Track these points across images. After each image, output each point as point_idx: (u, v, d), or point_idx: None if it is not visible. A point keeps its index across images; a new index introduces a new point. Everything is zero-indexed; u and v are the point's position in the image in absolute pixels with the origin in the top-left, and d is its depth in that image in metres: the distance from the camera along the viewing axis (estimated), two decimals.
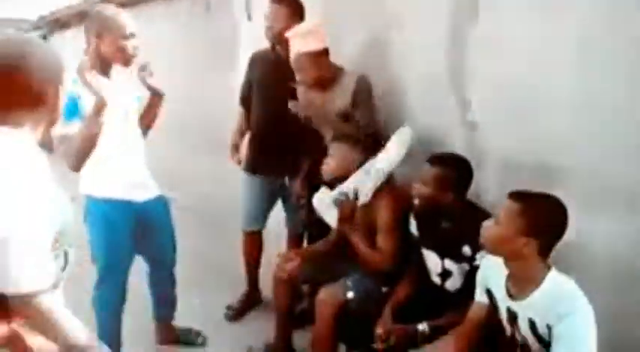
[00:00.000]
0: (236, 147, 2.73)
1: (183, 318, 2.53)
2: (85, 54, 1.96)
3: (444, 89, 2.09)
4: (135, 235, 2.11)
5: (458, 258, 1.81)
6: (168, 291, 2.42)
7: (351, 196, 2.03)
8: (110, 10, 1.97)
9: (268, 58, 2.49)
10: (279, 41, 2.35)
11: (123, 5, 5.02)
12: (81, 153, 1.76)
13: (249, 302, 2.73)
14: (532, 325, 1.42)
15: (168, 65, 4.28)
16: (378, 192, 2.05)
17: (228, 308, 2.70)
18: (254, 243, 2.68)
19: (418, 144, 2.10)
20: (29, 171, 1.01)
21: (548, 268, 1.41)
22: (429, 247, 1.93)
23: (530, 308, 1.41)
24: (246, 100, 2.62)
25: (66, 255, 1.08)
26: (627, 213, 1.56)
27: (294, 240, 2.67)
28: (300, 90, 2.37)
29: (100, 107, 1.73)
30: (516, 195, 1.41)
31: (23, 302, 0.98)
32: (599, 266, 1.64)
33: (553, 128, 1.73)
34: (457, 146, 2.03)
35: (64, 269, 1.08)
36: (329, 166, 2.11)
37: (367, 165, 2.05)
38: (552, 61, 1.71)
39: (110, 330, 2.11)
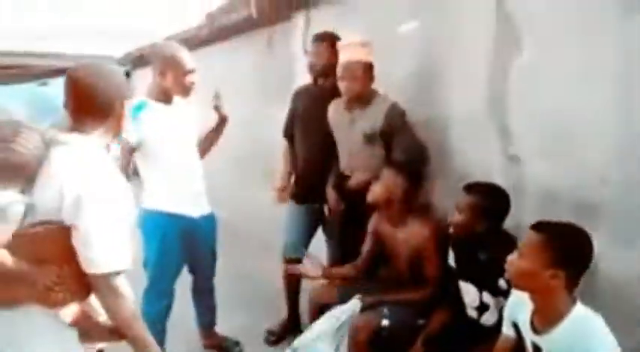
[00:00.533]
0: (284, 188, 2.78)
1: None
2: (151, 86, 2.22)
3: (486, 122, 2.09)
4: (187, 249, 2.29)
5: (495, 291, 1.78)
6: (208, 300, 2.59)
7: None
8: (171, 48, 2.21)
9: (311, 92, 2.62)
10: (322, 75, 2.50)
11: (197, 45, 5.47)
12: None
13: (289, 328, 2.77)
14: None
15: (231, 97, 4.58)
16: (419, 221, 2.09)
17: (269, 332, 2.75)
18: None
19: (460, 178, 2.10)
20: (107, 168, 1.28)
21: (574, 302, 1.36)
22: (466, 279, 1.90)
23: (554, 344, 1.36)
24: (289, 133, 2.74)
25: None
26: None
27: (334, 266, 2.69)
28: (331, 109, 2.46)
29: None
30: (539, 226, 1.38)
31: (101, 282, 1.23)
32: (634, 301, 1.55)
33: (589, 161, 1.69)
34: (498, 178, 2.00)
35: None
36: (375, 191, 2.14)
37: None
38: (589, 91, 1.68)
39: (154, 334, 2.23)
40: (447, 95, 2.30)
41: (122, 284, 1.26)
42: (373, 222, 2.26)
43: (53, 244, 1.20)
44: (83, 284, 1.24)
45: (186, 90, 2.22)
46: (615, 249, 1.62)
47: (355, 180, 2.34)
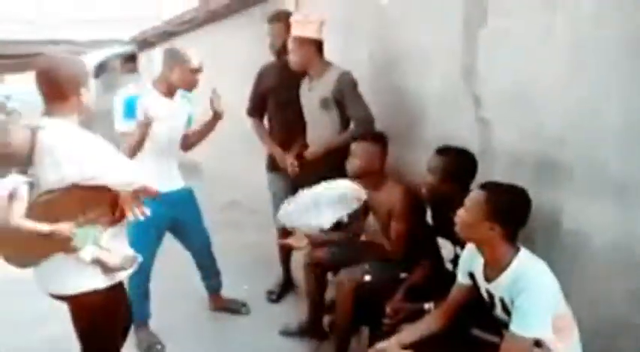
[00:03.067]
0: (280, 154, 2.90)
1: None
2: (160, 80, 2.44)
3: (460, 89, 2.22)
4: (164, 222, 2.50)
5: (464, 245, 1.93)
6: (210, 267, 2.84)
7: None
8: (182, 48, 2.45)
9: (276, 68, 2.80)
10: (281, 53, 2.69)
11: (196, 26, 5.59)
12: (133, 149, 2.22)
13: (285, 288, 3.07)
14: (502, 303, 1.54)
15: (235, 74, 4.73)
16: (392, 183, 2.26)
17: (269, 292, 3.06)
18: (285, 237, 2.92)
19: (437, 144, 2.25)
20: (81, 134, 1.59)
21: (517, 251, 1.52)
22: (442, 235, 2.06)
23: (500, 288, 1.53)
24: (256, 111, 2.91)
25: None
26: (616, 204, 1.60)
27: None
28: (303, 82, 2.66)
29: (147, 124, 2.22)
30: (483, 185, 1.55)
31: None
32: (597, 253, 1.69)
33: (548, 123, 1.81)
34: (471, 141, 2.14)
35: None
36: (354, 164, 2.30)
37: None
38: (546, 59, 1.79)
39: (137, 296, 2.47)
40: (422, 67, 2.44)
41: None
42: None
43: (64, 204, 1.53)
44: (96, 227, 1.61)
45: (189, 87, 2.45)
46: (576, 204, 1.74)
47: (309, 153, 2.56)
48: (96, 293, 1.62)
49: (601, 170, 1.64)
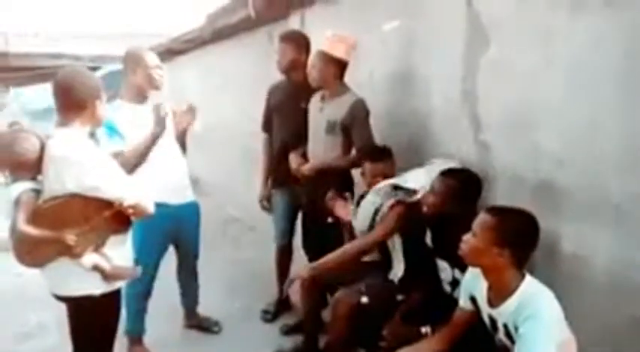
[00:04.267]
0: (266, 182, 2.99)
1: (225, 317, 2.90)
2: (127, 88, 2.43)
3: (460, 113, 2.24)
4: (170, 235, 2.52)
5: (465, 268, 1.92)
6: (192, 281, 2.82)
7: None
8: (139, 49, 2.46)
9: (283, 86, 2.85)
10: (287, 71, 2.74)
11: (201, 44, 5.67)
12: (134, 165, 2.23)
13: (281, 307, 3.02)
14: (506, 330, 1.52)
15: (238, 91, 4.77)
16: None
17: (264, 312, 3.01)
18: (284, 255, 2.97)
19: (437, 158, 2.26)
20: (83, 144, 1.66)
21: (523, 277, 1.51)
22: (441, 257, 2.05)
23: (505, 314, 1.51)
24: (267, 126, 2.96)
25: None
26: (616, 227, 1.60)
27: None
28: (312, 99, 2.67)
29: (157, 135, 2.26)
30: (491, 210, 1.54)
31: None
32: (596, 276, 1.69)
33: (547, 145, 1.83)
34: (471, 163, 2.16)
35: None
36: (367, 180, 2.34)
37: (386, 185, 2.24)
38: (544, 83, 1.82)
39: (135, 313, 2.53)
40: (426, 89, 2.47)
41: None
42: None
43: (67, 211, 1.61)
44: (99, 236, 1.67)
45: (155, 84, 2.42)
46: (576, 227, 1.75)
47: (307, 168, 2.55)
48: (93, 298, 1.69)
49: (600, 192, 1.65)
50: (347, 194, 2.53)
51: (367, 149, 2.44)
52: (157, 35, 7.34)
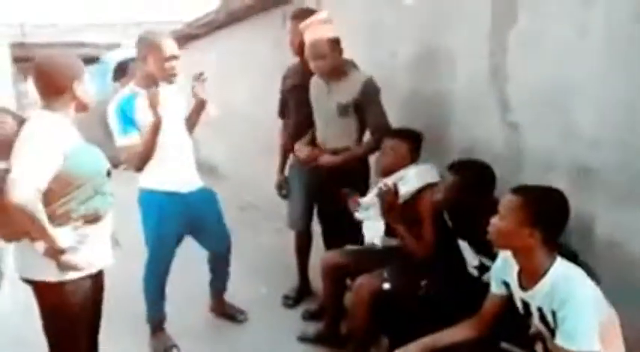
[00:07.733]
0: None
1: (247, 303, 2.87)
2: (139, 75, 2.35)
3: (487, 93, 2.14)
4: (184, 224, 2.45)
5: (492, 256, 1.85)
6: (222, 268, 2.75)
7: (391, 187, 2.14)
8: (155, 35, 2.33)
9: (297, 69, 2.74)
10: (302, 53, 2.54)
11: (216, 28, 5.61)
12: (144, 158, 2.22)
13: (302, 293, 2.98)
14: (541, 313, 1.45)
15: (251, 73, 4.71)
16: (420, 192, 2.16)
17: (286, 297, 2.97)
18: (303, 241, 2.91)
19: (464, 147, 2.17)
20: (39, 127, 1.60)
21: (554, 258, 1.44)
22: (463, 238, 1.98)
23: (538, 298, 1.45)
24: (283, 112, 2.89)
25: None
26: None
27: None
28: (312, 82, 2.55)
29: (158, 125, 2.19)
30: (517, 190, 1.47)
31: None
32: (632, 261, 1.61)
33: (582, 125, 1.73)
34: (498, 145, 2.06)
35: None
36: (382, 161, 2.27)
37: (402, 173, 2.19)
38: (579, 58, 1.71)
39: (154, 297, 2.52)
40: (450, 69, 2.36)
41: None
42: None
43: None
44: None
45: (167, 76, 2.29)
46: (611, 211, 1.67)
47: (325, 161, 2.45)
48: (50, 284, 1.65)
49: (637, 174, 1.56)
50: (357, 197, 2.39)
51: (378, 136, 2.34)
52: (177, 22, 7.29)
